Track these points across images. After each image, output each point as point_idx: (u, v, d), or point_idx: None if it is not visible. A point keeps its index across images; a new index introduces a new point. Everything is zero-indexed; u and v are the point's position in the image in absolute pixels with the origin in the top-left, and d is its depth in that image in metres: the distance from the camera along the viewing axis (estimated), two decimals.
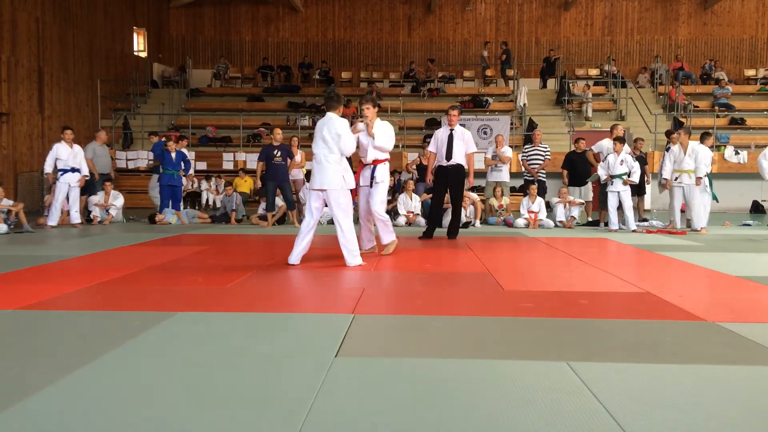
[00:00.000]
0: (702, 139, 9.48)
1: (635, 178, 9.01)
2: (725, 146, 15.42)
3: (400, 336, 3.06)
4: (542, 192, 10.18)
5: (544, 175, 10.53)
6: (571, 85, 18.29)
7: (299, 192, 10.03)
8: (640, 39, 21.13)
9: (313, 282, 4.70)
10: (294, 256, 5.34)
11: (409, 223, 9.74)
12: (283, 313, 3.59)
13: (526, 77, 19.90)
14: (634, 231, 8.87)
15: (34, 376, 2.35)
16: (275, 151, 9.32)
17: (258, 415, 1.99)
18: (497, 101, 18.16)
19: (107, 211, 10.06)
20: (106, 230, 8.94)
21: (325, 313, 3.53)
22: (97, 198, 10.11)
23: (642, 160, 10.22)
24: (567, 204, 9.89)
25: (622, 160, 8.95)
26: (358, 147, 5.85)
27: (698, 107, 17.50)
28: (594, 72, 20.17)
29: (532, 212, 9.67)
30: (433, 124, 15.93)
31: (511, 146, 12.73)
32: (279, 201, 9.78)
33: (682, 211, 9.47)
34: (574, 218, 9.85)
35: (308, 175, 6.92)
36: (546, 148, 10.59)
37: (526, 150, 10.77)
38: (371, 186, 5.98)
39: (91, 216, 9.90)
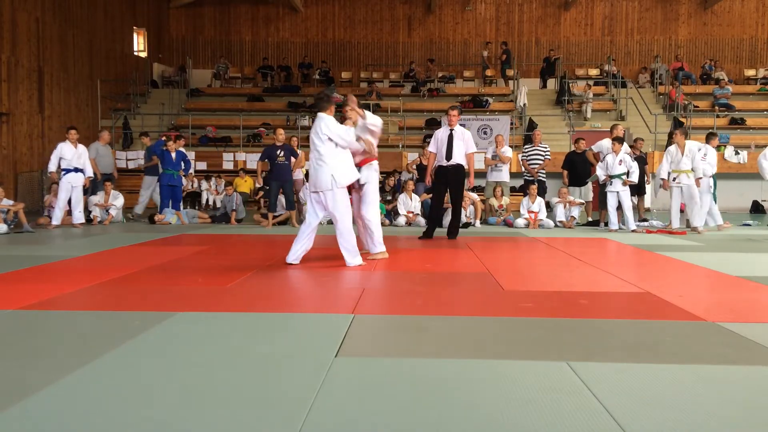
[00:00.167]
0: (708, 140, 9.49)
1: (634, 178, 9.01)
2: (725, 146, 15.41)
3: (400, 336, 3.06)
4: (542, 192, 10.19)
5: (544, 175, 10.53)
6: (571, 85, 18.29)
7: (299, 192, 10.04)
8: (640, 39, 21.14)
9: (313, 282, 4.70)
10: (292, 255, 5.34)
11: (409, 223, 9.75)
12: (283, 313, 3.59)
13: (526, 77, 19.90)
14: (633, 231, 8.87)
15: (34, 376, 2.35)
16: (278, 151, 9.33)
17: (258, 415, 1.99)
18: (497, 101, 18.17)
19: (107, 211, 10.06)
20: (106, 230, 8.94)
21: (325, 313, 3.53)
22: (97, 198, 10.11)
23: (642, 160, 10.22)
24: (567, 204, 9.89)
25: (620, 160, 8.96)
26: None
27: (698, 107, 17.50)
28: (594, 72, 20.17)
29: (532, 212, 9.67)
30: (433, 124, 15.92)
31: (511, 146, 12.73)
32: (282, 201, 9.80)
33: (682, 210, 9.47)
34: (574, 218, 9.85)
35: (308, 175, 6.90)
36: (546, 148, 10.59)
37: (526, 150, 10.78)
38: (366, 186, 5.85)
39: (91, 216, 9.90)
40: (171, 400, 2.13)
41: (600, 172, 9.16)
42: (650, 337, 3.00)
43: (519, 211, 9.97)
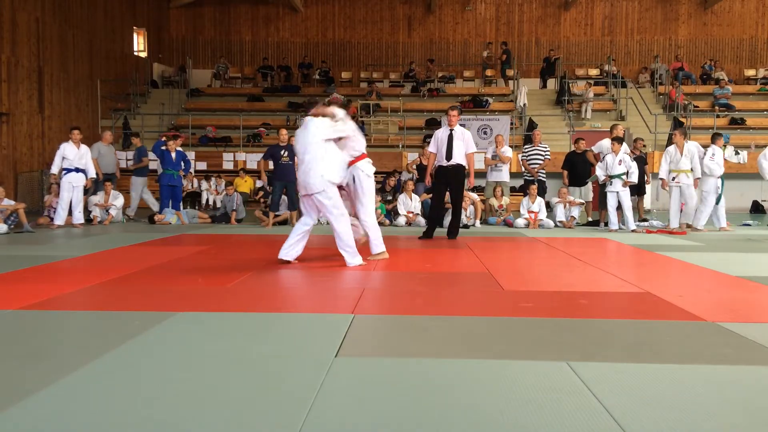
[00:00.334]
0: (713, 140, 9.50)
1: (634, 179, 9.02)
2: (725, 146, 15.39)
3: (400, 336, 3.05)
4: (542, 192, 10.19)
5: (544, 175, 10.53)
6: (571, 85, 18.29)
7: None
8: (640, 39, 21.14)
9: (313, 282, 4.69)
10: (283, 251, 5.29)
11: (409, 223, 9.74)
12: (284, 313, 3.59)
13: (526, 77, 19.91)
14: (633, 231, 8.87)
15: (34, 376, 2.35)
16: (282, 151, 9.34)
17: (258, 415, 1.99)
18: (497, 101, 18.17)
19: (107, 211, 10.06)
20: (106, 230, 8.94)
21: (325, 313, 3.52)
22: (97, 198, 10.11)
23: (642, 160, 10.22)
24: (567, 204, 9.89)
25: (620, 160, 8.96)
26: None
27: (698, 107, 17.50)
28: (594, 72, 20.17)
29: (532, 212, 9.67)
30: (433, 124, 15.93)
31: (511, 146, 12.73)
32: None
33: (682, 210, 9.47)
34: (574, 218, 9.85)
35: None
36: (546, 148, 10.59)
37: (526, 150, 10.78)
38: (354, 187, 5.68)
39: (91, 216, 9.90)
40: (171, 400, 2.13)
41: (600, 173, 9.17)
42: (650, 337, 3.00)
43: (519, 211, 9.97)
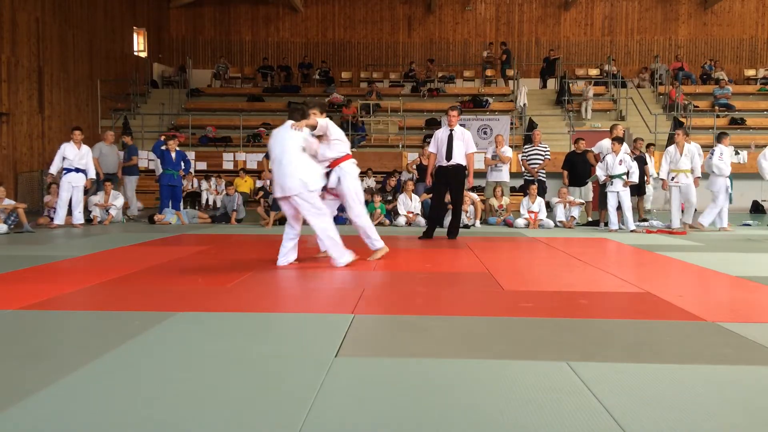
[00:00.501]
0: (720, 139, 9.50)
1: (634, 179, 9.02)
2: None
3: (400, 336, 3.05)
4: (542, 192, 10.19)
5: (544, 175, 10.53)
6: (571, 85, 18.29)
7: None
8: (640, 39, 21.14)
9: (313, 282, 4.69)
10: (281, 259, 5.31)
11: (409, 223, 9.75)
12: (283, 313, 3.59)
13: (526, 77, 19.91)
14: (633, 231, 8.87)
15: (34, 376, 2.35)
16: None
17: (258, 415, 1.99)
18: (497, 101, 18.17)
19: (107, 211, 10.07)
20: (106, 230, 8.94)
21: (325, 313, 3.52)
22: (97, 198, 10.11)
23: (641, 160, 10.22)
24: (567, 204, 9.89)
25: (620, 160, 8.96)
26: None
27: (698, 107, 17.51)
28: (594, 72, 20.18)
29: (532, 212, 9.67)
30: (433, 124, 15.93)
31: (511, 146, 12.73)
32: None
33: (682, 210, 9.48)
34: (574, 218, 9.85)
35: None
36: (546, 148, 10.59)
37: (526, 150, 10.78)
38: (340, 188, 5.59)
39: (91, 216, 9.90)
40: (171, 400, 2.13)
41: (600, 173, 9.16)
42: (650, 337, 3.00)
43: (519, 211, 9.97)
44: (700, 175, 9.21)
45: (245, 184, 13.33)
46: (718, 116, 16.99)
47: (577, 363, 2.53)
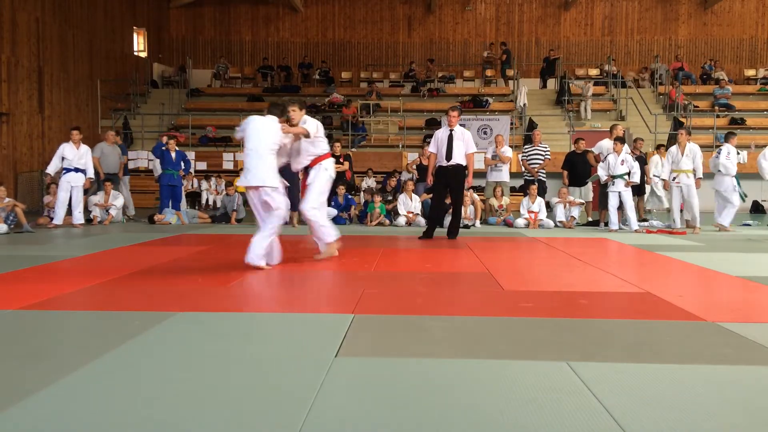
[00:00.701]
0: (727, 138, 9.49)
1: (636, 179, 9.02)
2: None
3: (400, 336, 3.05)
4: (542, 192, 10.19)
5: (544, 175, 10.53)
6: (570, 85, 18.30)
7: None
8: (640, 39, 21.14)
9: (313, 282, 4.70)
10: (252, 256, 5.17)
11: (409, 223, 9.75)
12: (283, 313, 3.59)
13: (526, 77, 19.91)
14: (636, 231, 8.87)
15: (34, 376, 2.35)
16: None
17: (258, 415, 1.99)
18: (497, 101, 18.17)
19: (107, 211, 10.06)
20: (106, 230, 8.94)
21: (325, 313, 3.53)
22: (97, 198, 10.11)
23: (642, 160, 10.23)
24: (567, 204, 9.89)
25: (622, 160, 8.96)
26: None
27: (698, 107, 17.50)
28: (594, 72, 20.18)
29: (532, 212, 9.67)
30: (433, 124, 15.93)
31: (511, 146, 12.73)
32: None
33: (681, 210, 9.48)
34: (574, 218, 9.85)
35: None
36: (546, 148, 10.59)
37: (526, 150, 10.78)
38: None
39: (91, 216, 9.90)
40: (171, 400, 2.13)
41: (602, 173, 9.17)
42: (650, 337, 3.00)
43: (519, 211, 9.97)
44: (701, 176, 9.20)
45: None
46: (718, 116, 16.99)
47: (577, 363, 2.53)
